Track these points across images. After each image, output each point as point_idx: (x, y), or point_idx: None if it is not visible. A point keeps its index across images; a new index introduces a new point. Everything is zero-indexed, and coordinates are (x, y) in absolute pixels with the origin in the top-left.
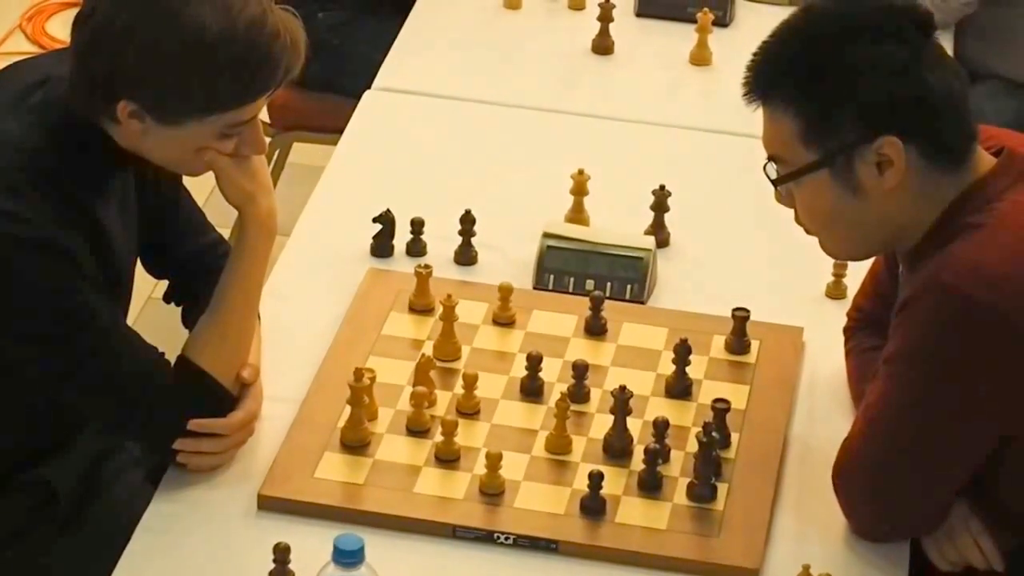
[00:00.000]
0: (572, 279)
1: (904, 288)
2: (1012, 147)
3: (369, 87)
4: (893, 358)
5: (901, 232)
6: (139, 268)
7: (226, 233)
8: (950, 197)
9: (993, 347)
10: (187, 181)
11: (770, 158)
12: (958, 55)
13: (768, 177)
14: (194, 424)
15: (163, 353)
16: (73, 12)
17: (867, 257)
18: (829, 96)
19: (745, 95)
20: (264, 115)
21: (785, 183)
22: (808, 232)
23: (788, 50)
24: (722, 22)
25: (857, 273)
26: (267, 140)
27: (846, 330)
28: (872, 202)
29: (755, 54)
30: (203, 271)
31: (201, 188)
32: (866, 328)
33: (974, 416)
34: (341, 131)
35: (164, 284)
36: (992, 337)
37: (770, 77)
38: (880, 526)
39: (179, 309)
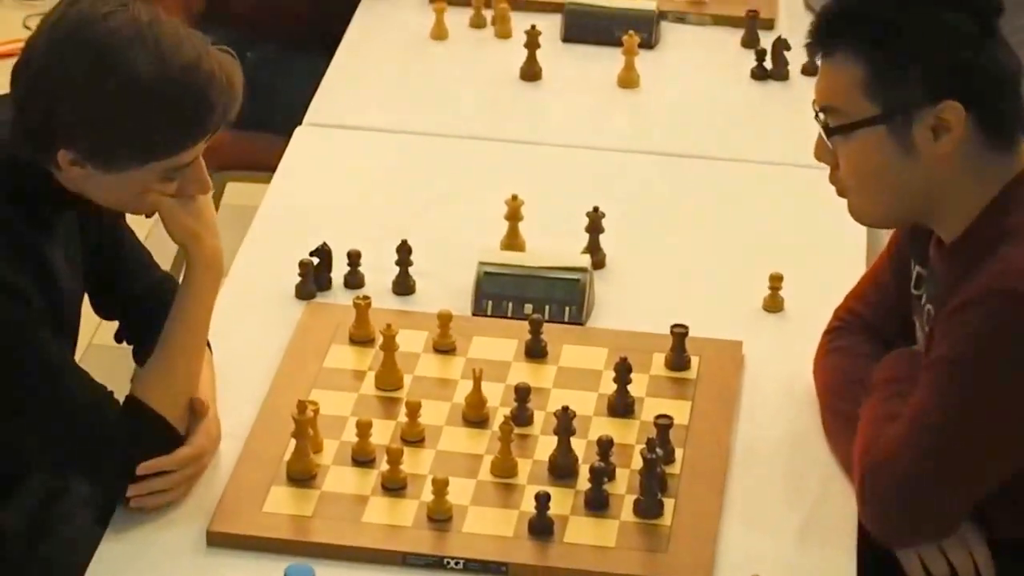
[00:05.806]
0: (510, 304)
1: (933, 283)
2: None
3: (300, 123)
4: (948, 362)
5: (939, 205)
6: (84, 310)
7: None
8: (997, 180)
9: None
10: (128, 218)
11: (822, 109)
12: None
13: (821, 127)
14: (142, 468)
15: (112, 392)
16: None
17: (894, 226)
18: (901, 52)
19: (810, 44)
20: None
21: (840, 134)
22: (840, 193)
23: (867, 1)
24: (648, 44)
25: (795, 286)
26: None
27: (831, 330)
28: (922, 166)
29: (827, 3)
30: (152, 309)
31: (141, 224)
32: (859, 332)
33: None
34: (274, 169)
35: (107, 327)
36: None
37: (843, 24)
38: (904, 529)
39: (125, 350)
